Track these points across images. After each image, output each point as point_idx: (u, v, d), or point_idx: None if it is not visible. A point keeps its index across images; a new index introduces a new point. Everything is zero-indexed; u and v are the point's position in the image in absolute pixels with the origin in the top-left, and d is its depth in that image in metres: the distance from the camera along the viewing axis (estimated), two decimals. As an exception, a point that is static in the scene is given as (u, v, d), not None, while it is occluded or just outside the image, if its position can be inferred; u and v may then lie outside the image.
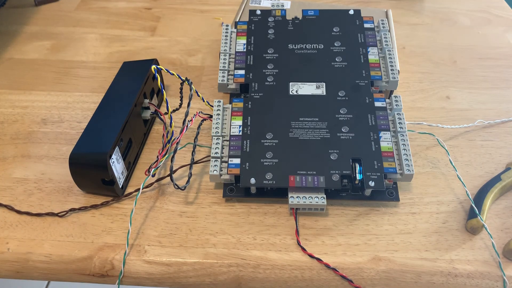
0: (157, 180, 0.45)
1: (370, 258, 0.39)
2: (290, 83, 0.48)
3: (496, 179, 0.44)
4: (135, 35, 0.66)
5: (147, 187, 0.45)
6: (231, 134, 0.44)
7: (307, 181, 0.41)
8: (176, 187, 0.43)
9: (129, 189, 0.45)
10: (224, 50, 0.51)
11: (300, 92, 0.47)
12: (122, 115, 0.44)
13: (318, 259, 0.39)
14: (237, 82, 0.49)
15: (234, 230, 0.42)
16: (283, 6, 0.59)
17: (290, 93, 0.47)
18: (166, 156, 0.46)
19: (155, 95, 0.52)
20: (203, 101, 0.51)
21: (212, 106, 0.47)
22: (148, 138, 0.50)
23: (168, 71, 0.47)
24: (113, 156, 0.42)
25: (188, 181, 0.44)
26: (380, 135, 0.44)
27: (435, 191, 0.45)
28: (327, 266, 0.39)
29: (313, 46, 0.51)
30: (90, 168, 0.41)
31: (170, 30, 0.67)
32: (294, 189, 0.41)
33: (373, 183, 0.41)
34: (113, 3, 0.73)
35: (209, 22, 0.69)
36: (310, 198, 0.41)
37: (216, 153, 0.43)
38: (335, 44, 0.51)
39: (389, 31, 0.52)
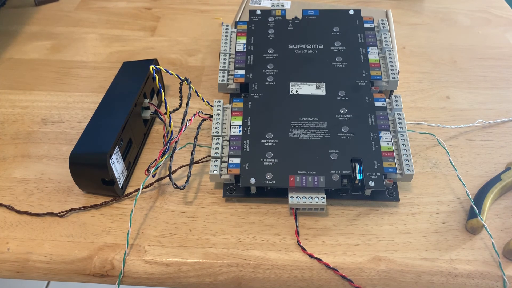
0: (157, 180, 0.45)
1: (370, 258, 0.39)
2: (290, 83, 0.48)
3: (496, 179, 0.44)
4: (135, 35, 0.66)
5: (147, 187, 0.45)
6: (231, 134, 0.44)
7: (307, 181, 0.41)
8: (175, 186, 0.43)
9: (129, 189, 0.45)
10: (224, 50, 0.51)
11: (300, 92, 0.47)
12: (122, 115, 0.44)
13: (318, 259, 0.39)
14: (237, 82, 0.49)
15: (234, 230, 0.41)
16: (283, 6, 0.59)
17: (290, 93, 0.47)
18: (166, 156, 0.46)
19: (155, 95, 0.52)
20: (203, 101, 0.50)
21: (212, 106, 0.47)
22: (148, 138, 0.50)
23: (167, 71, 0.46)
24: (113, 156, 0.42)
25: (187, 181, 0.44)
26: (380, 135, 0.44)
27: (435, 191, 0.45)
28: (327, 266, 0.39)
29: (313, 46, 0.51)
30: (90, 168, 0.41)
31: (170, 30, 0.67)
32: (294, 189, 0.41)
33: (373, 183, 0.41)
34: (113, 3, 0.73)
35: (209, 22, 0.69)
36: (310, 198, 0.41)
37: (216, 153, 0.43)
38: (335, 44, 0.51)
39: (389, 31, 0.52)
